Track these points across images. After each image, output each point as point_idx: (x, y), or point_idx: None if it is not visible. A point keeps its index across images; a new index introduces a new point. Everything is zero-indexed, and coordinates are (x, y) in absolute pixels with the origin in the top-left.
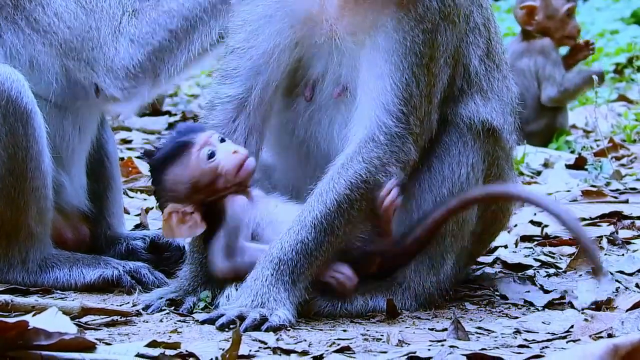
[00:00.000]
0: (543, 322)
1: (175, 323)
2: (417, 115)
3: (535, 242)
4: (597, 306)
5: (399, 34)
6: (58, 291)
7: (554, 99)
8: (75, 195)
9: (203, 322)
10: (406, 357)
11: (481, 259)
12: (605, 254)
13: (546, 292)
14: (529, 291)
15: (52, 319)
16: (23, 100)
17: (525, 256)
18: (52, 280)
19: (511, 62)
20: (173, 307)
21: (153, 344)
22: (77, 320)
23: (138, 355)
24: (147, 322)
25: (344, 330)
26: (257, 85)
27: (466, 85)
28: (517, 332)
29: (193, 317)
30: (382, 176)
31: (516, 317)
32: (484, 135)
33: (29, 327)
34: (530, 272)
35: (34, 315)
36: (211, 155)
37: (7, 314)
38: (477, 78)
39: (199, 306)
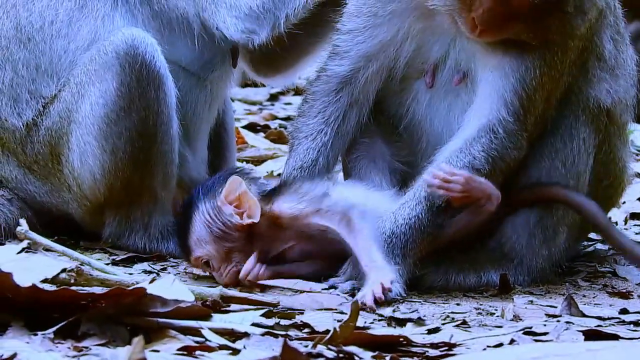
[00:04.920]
0: None
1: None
2: (534, 115)
3: None
4: None
5: (536, 52)
6: (171, 259)
7: None
8: (196, 169)
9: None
10: (522, 332)
11: (592, 235)
12: None
13: None
14: None
15: (169, 286)
16: (156, 64)
17: (636, 233)
18: (172, 249)
19: None
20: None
21: (268, 314)
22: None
23: (253, 324)
24: (262, 292)
25: (457, 304)
26: (368, 69)
27: (598, 69)
28: (632, 309)
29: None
30: (495, 168)
31: (630, 294)
32: (599, 113)
33: (146, 294)
34: None
35: (151, 282)
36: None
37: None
38: (609, 60)
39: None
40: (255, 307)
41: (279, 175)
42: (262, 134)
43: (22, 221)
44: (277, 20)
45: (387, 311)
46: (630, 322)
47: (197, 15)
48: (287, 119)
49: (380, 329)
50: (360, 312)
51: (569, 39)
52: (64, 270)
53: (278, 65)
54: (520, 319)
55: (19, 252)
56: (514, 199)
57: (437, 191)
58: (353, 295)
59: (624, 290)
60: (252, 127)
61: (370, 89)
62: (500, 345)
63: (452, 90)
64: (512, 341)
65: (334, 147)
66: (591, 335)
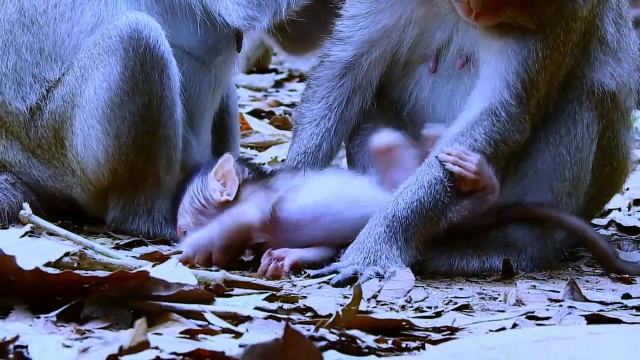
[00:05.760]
0: None
1: (292, 278)
2: (537, 98)
3: None
4: None
5: (538, 35)
6: (175, 243)
7: None
8: (200, 154)
9: (314, 277)
10: (524, 316)
11: (596, 221)
12: None
13: None
14: None
15: (172, 270)
16: (160, 48)
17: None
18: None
19: None
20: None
21: (271, 298)
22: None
23: (256, 308)
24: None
25: (460, 289)
26: (371, 54)
27: (601, 52)
28: (635, 294)
29: (308, 273)
30: (497, 151)
31: (632, 279)
32: (603, 97)
33: (149, 278)
34: None
35: (154, 266)
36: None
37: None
38: (611, 43)
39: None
40: (259, 291)
41: (283, 160)
42: (266, 120)
43: (26, 205)
44: (278, 8)
45: (390, 296)
46: (632, 307)
47: (199, 1)
48: (292, 105)
49: (383, 313)
50: (363, 296)
51: (570, 21)
52: (67, 254)
53: (305, 43)
54: (523, 304)
55: (22, 236)
56: (504, 213)
57: (452, 168)
58: (355, 279)
59: (627, 276)
60: (257, 114)
61: (374, 74)
62: (502, 329)
63: (455, 74)
64: (514, 325)
65: (337, 132)
66: (594, 319)
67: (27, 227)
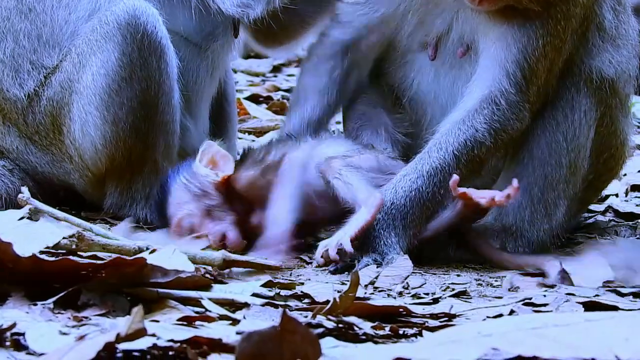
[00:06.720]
0: None
1: (289, 264)
2: (537, 85)
3: None
4: None
5: (539, 21)
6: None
7: None
8: (198, 139)
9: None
10: (522, 303)
11: (593, 207)
12: None
13: None
14: None
15: (169, 256)
16: (158, 34)
17: (637, 205)
18: None
19: None
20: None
21: (269, 284)
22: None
23: (254, 295)
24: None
25: (458, 275)
26: (370, 38)
27: (599, 39)
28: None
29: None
30: (497, 140)
31: None
32: (601, 84)
33: (146, 264)
34: None
35: (151, 252)
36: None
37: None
38: (610, 29)
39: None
40: (258, 270)
41: None
42: (264, 105)
43: (24, 189)
44: None
45: (387, 282)
46: (629, 294)
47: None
48: (290, 90)
49: (380, 300)
50: (360, 283)
51: (571, 6)
52: (65, 237)
53: (280, 37)
54: (521, 290)
55: (20, 219)
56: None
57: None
58: (353, 265)
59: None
60: (255, 99)
61: (372, 56)
62: (500, 315)
63: (457, 62)
64: (511, 312)
65: (334, 107)
66: (591, 306)
67: (26, 211)
